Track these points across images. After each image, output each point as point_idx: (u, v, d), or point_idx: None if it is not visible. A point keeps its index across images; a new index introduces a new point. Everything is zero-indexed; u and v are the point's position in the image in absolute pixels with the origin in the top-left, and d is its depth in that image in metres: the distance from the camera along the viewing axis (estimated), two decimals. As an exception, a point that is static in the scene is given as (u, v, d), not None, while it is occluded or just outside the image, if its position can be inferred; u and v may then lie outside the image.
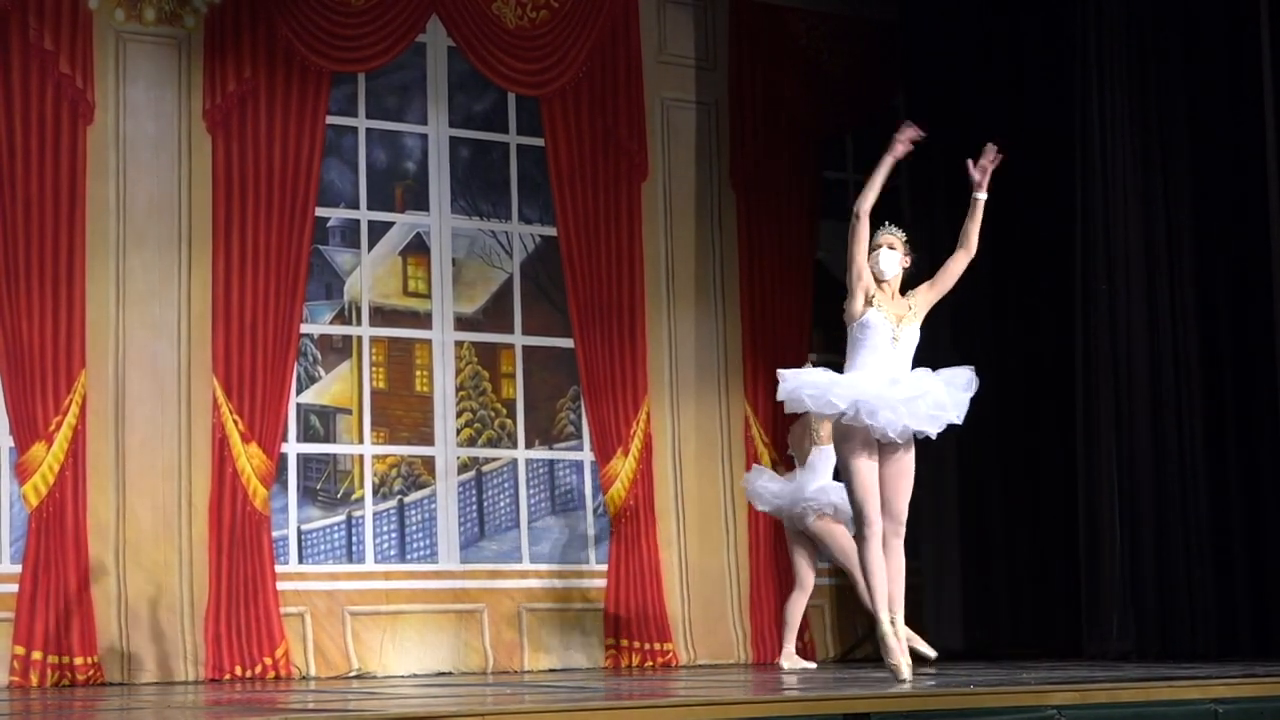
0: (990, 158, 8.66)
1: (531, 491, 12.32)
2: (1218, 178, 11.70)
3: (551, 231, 12.50)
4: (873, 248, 8.54)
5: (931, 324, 12.77)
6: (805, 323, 13.26)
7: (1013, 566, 12.65)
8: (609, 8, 12.71)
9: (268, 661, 11.17)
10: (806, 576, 11.19)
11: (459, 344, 12.16)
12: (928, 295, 8.68)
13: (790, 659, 11.14)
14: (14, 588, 10.72)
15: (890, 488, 8.45)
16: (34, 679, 10.57)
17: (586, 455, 12.45)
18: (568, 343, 12.45)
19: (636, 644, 12.19)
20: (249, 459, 11.30)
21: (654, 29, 12.99)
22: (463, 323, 12.19)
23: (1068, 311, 11.81)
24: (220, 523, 11.22)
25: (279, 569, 11.40)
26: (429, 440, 12.03)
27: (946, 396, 8.43)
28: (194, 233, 11.42)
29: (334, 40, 11.85)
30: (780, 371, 8.62)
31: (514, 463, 12.29)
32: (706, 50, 13.17)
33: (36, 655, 10.62)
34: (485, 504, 12.18)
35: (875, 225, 8.65)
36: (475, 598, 11.96)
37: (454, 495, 12.06)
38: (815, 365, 9.11)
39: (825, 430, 10.73)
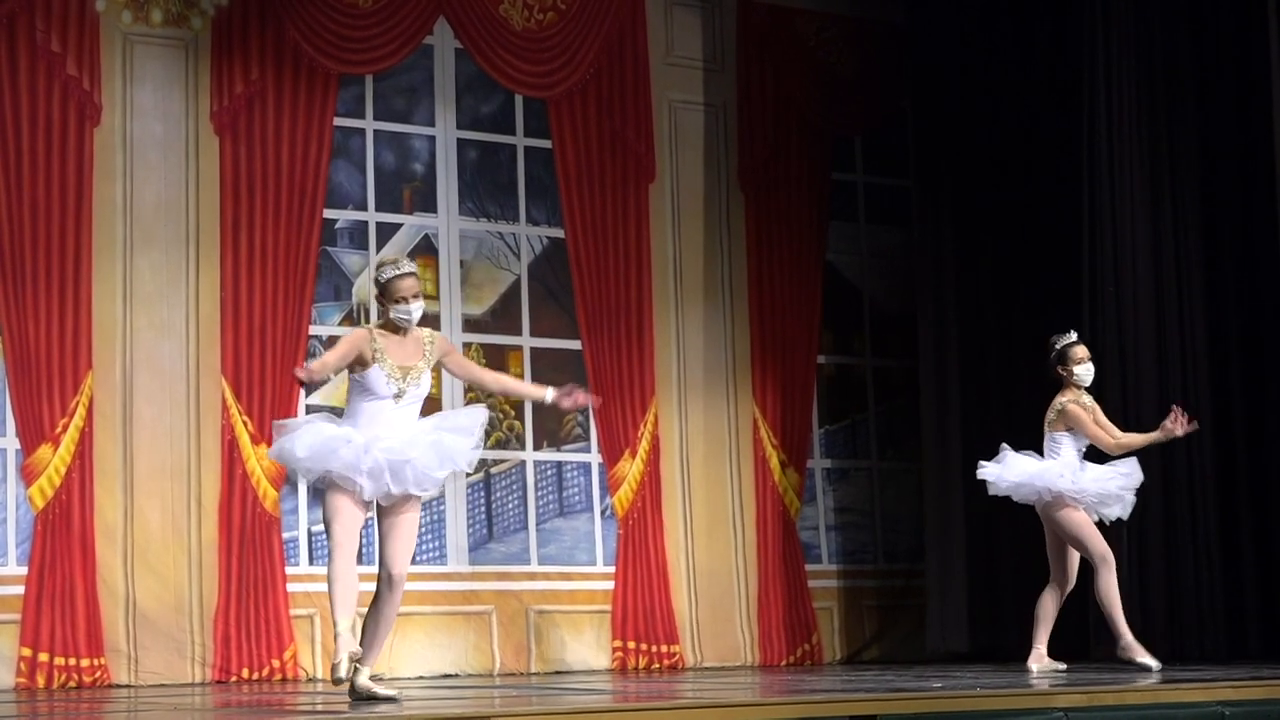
0: None
1: (540, 494, 12.31)
2: (1226, 179, 11.69)
3: (559, 233, 12.49)
4: (388, 291, 7.86)
5: (937, 324, 12.87)
6: (814, 324, 13.25)
7: (1019, 568, 12.60)
8: (616, 9, 12.70)
9: (276, 663, 11.17)
10: (1059, 571, 10.18)
11: (467, 345, 12.15)
12: (446, 353, 8.05)
13: (1039, 661, 10.14)
14: (20, 589, 10.72)
15: (386, 543, 7.89)
16: (40, 680, 10.57)
17: (594, 457, 12.44)
18: (575, 344, 12.44)
19: (644, 646, 12.17)
20: (259, 460, 11.30)
21: (661, 31, 12.98)
22: (471, 324, 12.18)
23: (1074, 313, 11.79)
24: (230, 524, 11.22)
25: (289, 570, 11.39)
26: (437, 442, 12.00)
27: (435, 456, 7.76)
28: (202, 234, 11.42)
29: (342, 42, 11.85)
30: (277, 423, 8.04)
31: (522, 465, 12.29)
32: (714, 52, 13.16)
33: (43, 657, 10.62)
34: (494, 506, 12.17)
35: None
36: (484, 600, 11.95)
37: (463, 497, 12.05)
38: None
39: (1062, 419, 10.08)
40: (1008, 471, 10.16)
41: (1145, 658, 9.89)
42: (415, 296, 7.87)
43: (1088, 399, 10.15)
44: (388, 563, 7.88)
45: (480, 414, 8.03)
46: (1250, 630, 11.35)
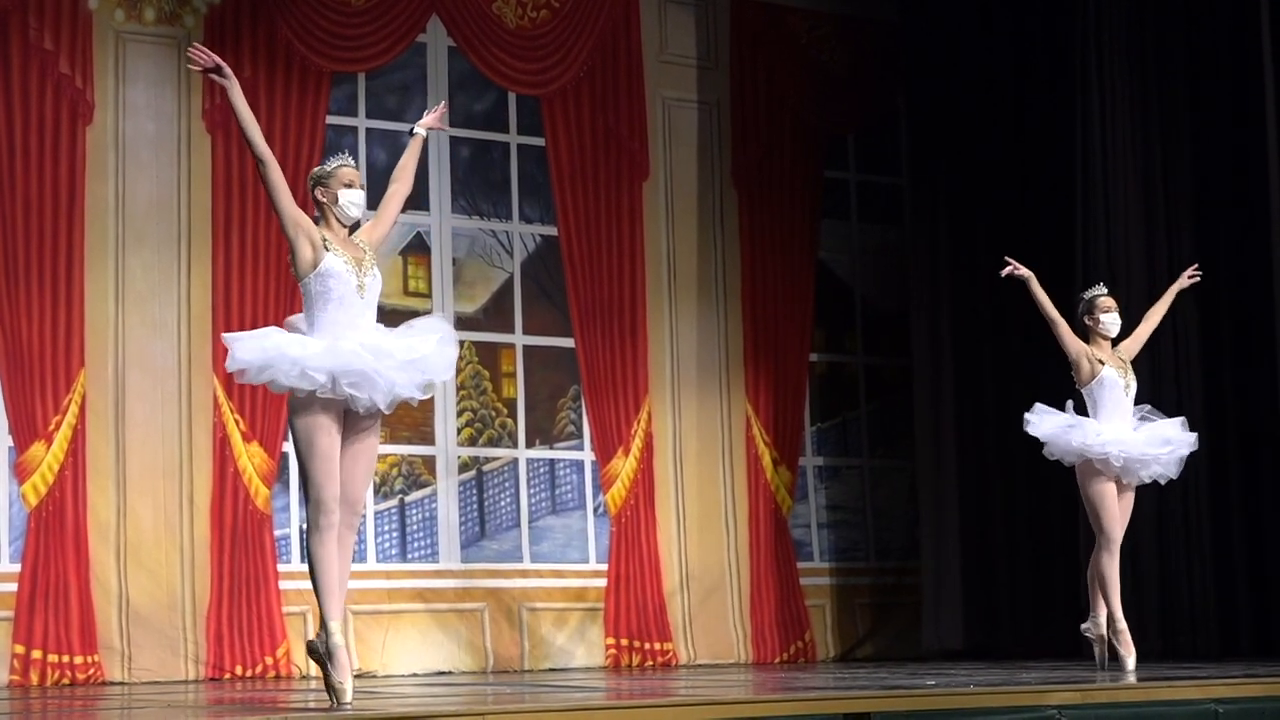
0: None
1: (532, 491, 12.31)
2: (1219, 178, 11.70)
3: (552, 231, 12.49)
4: (327, 180, 7.48)
5: (930, 321, 12.88)
6: (807, 322, 13.26)
7: (1014, 566, 12.63)
8: (610, 7, 12.70)
9: (269, 661, 11.17)
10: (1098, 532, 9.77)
11: (459, 343, 12.10)
12: (372, 234, 7.52)
13: (1095, 626, 9.81)
14: (13, 586, 10.72)
15: (350, 470, 7.24)
16: (34, 678, 10.56)
17: (587, 455, 12.44)
18: (568, 342, 12.45)
19: (637, 644, 12.18)
20: (250, 458, 11.30)
21: (655, 28, 12.98)
22: (463, 322, 12.17)
23: (1068, 309, 11.80)
24: (222, 522, 11.22)
25: (280, 568, 11.39)
26: (429, 440, 12.02)
27: (438, 357, 7.33)
28: (194, 232, 11.42)
29: (334, 40, 11.84)
30: (226, 337, 7.46)
31: (515, 462, 12.29)
32: (708, 49, 13.16)
33: (37, 654, 10.62)
34: (486, 503, 12.17)
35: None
36: (476, 597, 11.95)
37: (455, 495, 12.05)
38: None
39: (1082, 371, 9.88)
40: (1044, 423, 9.91)
41: (1127, 652, 9.62)
42: (360, 185, 7.51)
43: (1105, 352, 9.92)
44: (353, 491, 7.28)
45: (445, 324, 7.60)
46: (1242, 628, 11.37)
